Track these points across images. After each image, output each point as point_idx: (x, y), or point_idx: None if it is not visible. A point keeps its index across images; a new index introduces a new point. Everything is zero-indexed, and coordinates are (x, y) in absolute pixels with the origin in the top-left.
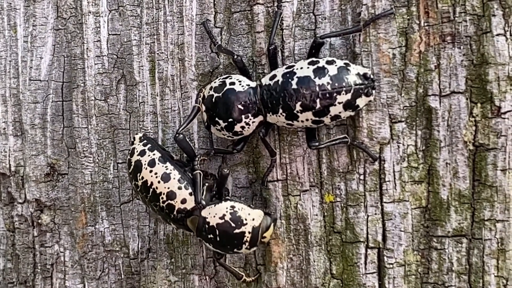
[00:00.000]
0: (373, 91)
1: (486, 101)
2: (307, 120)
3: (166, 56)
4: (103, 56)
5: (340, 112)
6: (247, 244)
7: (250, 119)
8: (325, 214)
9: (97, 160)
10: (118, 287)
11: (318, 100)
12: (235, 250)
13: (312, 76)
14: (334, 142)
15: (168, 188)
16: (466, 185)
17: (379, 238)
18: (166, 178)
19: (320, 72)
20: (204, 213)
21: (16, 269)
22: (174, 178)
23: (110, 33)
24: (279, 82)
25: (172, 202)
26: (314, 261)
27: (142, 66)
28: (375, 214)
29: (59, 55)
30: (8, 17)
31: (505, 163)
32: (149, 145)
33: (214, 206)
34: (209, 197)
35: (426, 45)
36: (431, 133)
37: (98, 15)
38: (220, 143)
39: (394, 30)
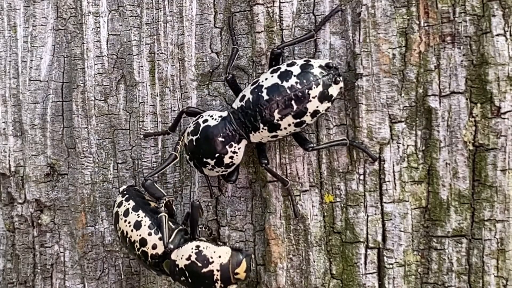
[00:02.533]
0: (340, 78)
1: (486, 101)
2: (289, 125)
3: (166, 56)
4: (103, 56)
5: (317, 106)
6: (219, 282)
7: (235, 147)
8: (325, 214)
9: (97, 160)
10: (118, 287)
11: (293, 102)
12: None
13: (279, 82)
14: (332, 144)
15: (140, 235)
16: (466, 185)
17: (379, 238)
18: (137, 225)
19: (285, 76)
20: (173, 256)
21: (16, 269)
22: (144, 225)
23: (110, 33)
24: (250, 99)
25: (144, 248)
26: (314, 261)
27: (142, 66)
28: (375, 214)
29: (59, 55)
30: (8, 17)
31: (505, 163)
32: (126, 196)
33: (181, 248)
34: (181, 239)
35: (426, 45)
36: (431, 133)
37: (98, 15)
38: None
39: (394, 31)
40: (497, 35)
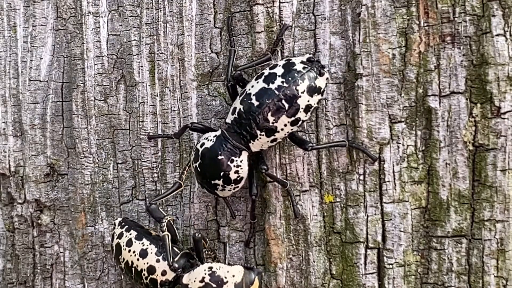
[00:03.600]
0: (325, 70)
1: (486, 101)
2: (285, 125)
3: (166, 57)
4: (102, 56)
5: (308, 101)
6: None
7: (238, 160)
8: (325, 214)
9: (96, 161)
10: (118, 287)
11: (283, 102)
12: None
13: (266, 86)
14: (331, 145)
15: (147, 263)
16: (466, 185)
17: (379, 238)
18: (143, 254)
19: (270, 78)
20: (185, 280)
21: (16, 269)
22: (151, 253)
23: (109, 33)
24: (242, 109)
25: (153, 276)
26: (314, 262)
27: (141, 66)
28: (375, 214)
29: (58, 55)
30: (8, 18)
31: (505, 163)
32: (126, 227)
33: (193, 271)
34: (186, 261)
35: (426, 45)
36: (430, 133)
37: (97, 15)
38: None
39: (394, 31)
40: (497, 35)
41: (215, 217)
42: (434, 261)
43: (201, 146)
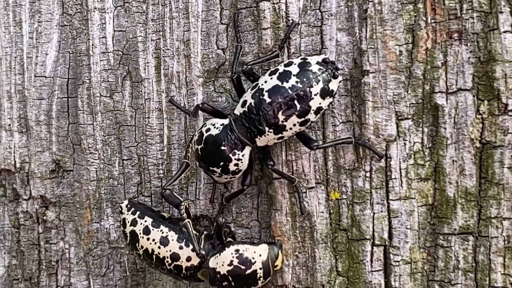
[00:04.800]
0: (339, 72)
1: (493, 98)
2: (294, 125)
3: (171, 53)
4: (108, 52)
5: (320, 103)
6: (261, 279)
7: (239, 154)
8: (331, 211)
9: (102, 157)
10: (123, 284)
11: (296, 102)
12: (252, 287)
13: (280, 83)
14: (337, 142)
15: (170, 250)
16: (472, 182)
17: (385, 235)
18: (165, 241)
19: (284, 76)
20: (211, 264)
21: (21, 265)
22: (172, 240)
23: (115, 29)
24: (253, 104)
25: (178, 263)
26: (320, 259)
27: (147, 62)
28: (381, 211)
29: (64, 51)
30: (13, 13)
31: None
32: (138, 212)
33: (219, 255)
34: (209, 244)
35: (433, 42)
36: (437, 130)
37: (103, 11)
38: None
39: (401, 27)
40: (504, 31)
41: (221, 214)
42: (441, 258)
43: (206, 131)
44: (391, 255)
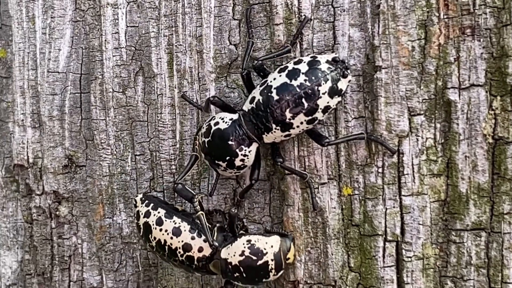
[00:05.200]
0: (348, 71)
1: (506, 94)
2: (301, 123)
3: (184, 48)
4: (121, 48)
5: (328, 102)
6: (273, 271)
7: (246, 150)
8: (343, 207)
9: (115, 152)
10: (136, 279)
11: (303, 100)
12: (264, 280)
13: (288, 81)
14: (349, 138)
15: (182, 241)
16: (485, 178)
17: (398, 231)
18: (177, 232)
19: (293, 74)
20: (223, 254)
21: (34, 260)
22: (185, 230)
23: (128, 25)
24: (261, 101)
25: (190, 253)
26: (332, 254)
27: (160, 58)
28: (394, 207)
29: (77, 47)
30: (26, 9)
31: None
32: (152, 204)
33: (231, 245)
34: (222, 236)
35: (446, 37)
36: (450, 126)
37: (116, 7)
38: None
39: (413, 23)
40: None
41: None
42: (453, 254)
43: (214, 125)
44: (403, 250)
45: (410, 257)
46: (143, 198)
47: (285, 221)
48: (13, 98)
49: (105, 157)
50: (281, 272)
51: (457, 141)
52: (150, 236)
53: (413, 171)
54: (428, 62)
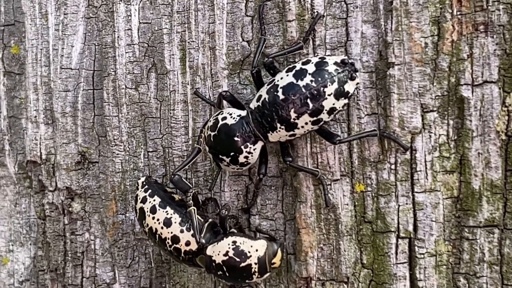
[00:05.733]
0: (357, 74)
1: None
2: (306, 124)
3: (197, 45)
4: (134, 44)
5: (334, 104)
6: (256, 274)
7: (250, 148)
8: (356, 203)
9: (127, 149)
10: (148, 275)
11: (308, 101)
12: (247, 281)
13: (294, 81)
14: (361, 135)
15: (171, 232)
16: (498, 175)
17: (410, 228)
18: (168, 223)
19: (300, 74)
20: (209, 251)
21: (47, 256)
22: (175, 222)
23: (141, 21)
24: (267, 99)
25: (177, 245)
26: (345, 251)
27: (173, 54)
28: (406, 204)
29: (90, 43)
30: (39, 6)
31: None
32: (149, 191)
33: (217, 244)
34: (212, 233)
35: (459, 34)
36: (463, 122)
37: (129, 3)
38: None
39: (427, 19)
40: None
41: (246, 206)
42: (466, 251)
43: (222, 119)
44: (416, 247)
45: (423, 253)
46: (144, 183)
47: (297, 217)
48: (26, 94)
49: (118, 154)
50: (266, 275)
51: (470, 138)
52: (144, 222)
53: (426, 168)
54: (441, 58)
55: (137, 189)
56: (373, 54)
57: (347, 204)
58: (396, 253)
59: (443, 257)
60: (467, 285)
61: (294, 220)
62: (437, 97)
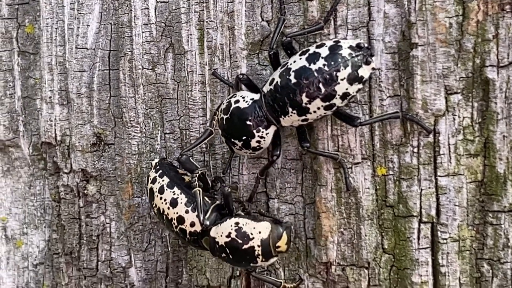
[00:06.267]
0: (372, 58)
1: None
2: (318, 109)
3: (215, 25)
4: (151, 24)
5: (347, 89)
6: (260, 257)
7: (263, 132)
8: (377, 187)
9: (144, 130)
10: (165, 259)
11: (321, 85)
12: (251, 264)
13: (307, 65)
14: (383, 118)
15: (177, 213)
16: None
17: (433, 212)
18: (174, 203)
19: (313, 58)
20: (212, 233)
21: (62, 239)
22: (181, 203)
23: (158, 0)
24: (279, 83)
25: (182, 226)
26: (366, 235)
27: (190, 34)
28: (429, 188)
29: (106, 22)
30: None
31: None
32: (160, 171)
33: (220, 225)
34: (218, 215)
35: (484, 14)
36: (488, 105)
37: None
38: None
39: None
40: None
41: (265, 189)
42: (490, 236)
43: (235, 102)
44: (438, 232)
45: (446, 239)
46: (157, 164)
47: (317, 201)
48: (41, 74)
49: (134, 135)
50: (272, 259)
51: (495, 121)
52: (153, 202)
53: (450, 151)
54: (466, 39)
55: (150, 169)
56: (396, 34)
57: (368, 188)
58: (418, 238)
59: (466, 242)
60: (490, 271)
61: (314, 204)
62: (461, 79)
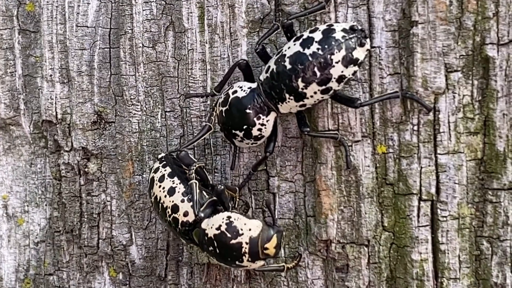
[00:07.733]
0: (367, 40)
1: None
2: (315, 93)
3: (215, 3)
4: (151, 2)
5: (342, 71)
6: (247, 255)
7: (264, 119)
8: (377, 165)
9: (144, 108)
10: (165, 237)
11: (316, 69)
12: (237, 262)
13: (301, 50)
14: (382, 98)
15: (173, 201)
16: None
17: (433, 190)
18: (171, 192)
19: (306, 43)
20: (203, 224)
21: (63, 217)
22: (178, 192)
23: None
24: (275, 70)
25: (176, 215)
26: (366, 213)
27: (191, 12)
28: (429, 165)
29: (106, 0)
30: None
31: None
32: (164, 162)
33: (212, 217)
34: (213, 210)
35: None
36: (488, 83)
37: None
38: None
39: None
40: None
41: (265, 167)
42: (489, 214)
43: (232, 93)
44: (438, 210)
45: (446, 216)
46: (162, 158)
47: (317, 179)
48: (42, 53)
49: (134, 113)
50: (259, 262)
51: (495, 99)
52: (151, 191)
53: (449, 129)
54: (466, 17)
55: (154, 162)
56: (396, 12)
57: (368, 166)
58: (418, 216)
59: (466, 220)
60: (490, 248)
61: (314, 182)
62: (461, 57)
